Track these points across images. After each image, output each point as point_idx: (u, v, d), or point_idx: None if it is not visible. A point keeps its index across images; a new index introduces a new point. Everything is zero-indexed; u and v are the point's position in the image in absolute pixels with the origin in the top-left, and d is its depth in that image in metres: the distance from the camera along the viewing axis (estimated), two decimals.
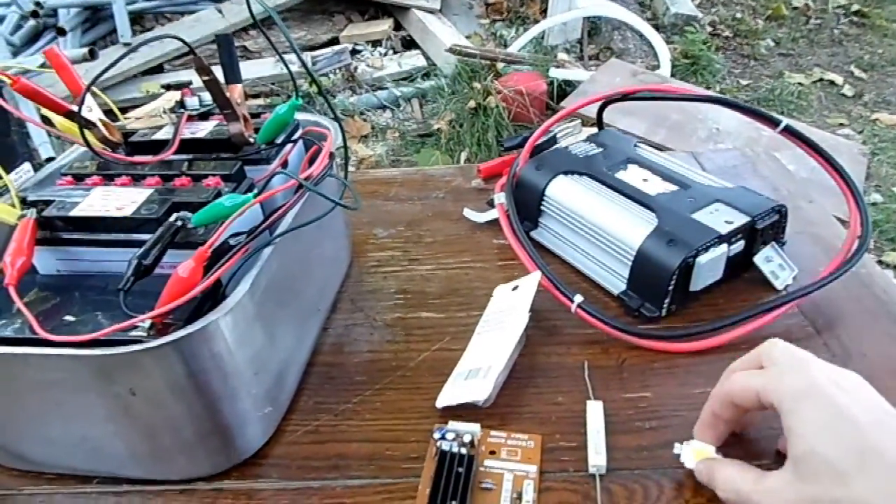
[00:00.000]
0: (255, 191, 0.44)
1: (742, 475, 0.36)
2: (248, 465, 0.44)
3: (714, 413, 0.40)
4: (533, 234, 0.64)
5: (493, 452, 0.43)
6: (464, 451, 0.42)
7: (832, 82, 2.86)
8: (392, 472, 0.43)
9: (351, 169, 0.52)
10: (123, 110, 0.59)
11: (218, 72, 0.50)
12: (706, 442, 0.41)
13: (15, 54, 2.61)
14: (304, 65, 0.45)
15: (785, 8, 3.34)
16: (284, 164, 0.53)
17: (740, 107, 0.59)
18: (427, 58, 2.83)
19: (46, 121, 0.52)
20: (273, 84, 2.64)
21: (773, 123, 0.56)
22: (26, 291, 0.44)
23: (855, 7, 3.37)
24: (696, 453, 0.40)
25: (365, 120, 2.65)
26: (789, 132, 0.56)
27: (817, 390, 0.33)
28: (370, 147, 2.54)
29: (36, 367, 0.37)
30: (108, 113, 0.55)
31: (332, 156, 0.47)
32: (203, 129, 0.54)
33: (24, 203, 0.46)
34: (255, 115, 0.55)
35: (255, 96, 2.65)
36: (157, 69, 2.65)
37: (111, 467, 0.43)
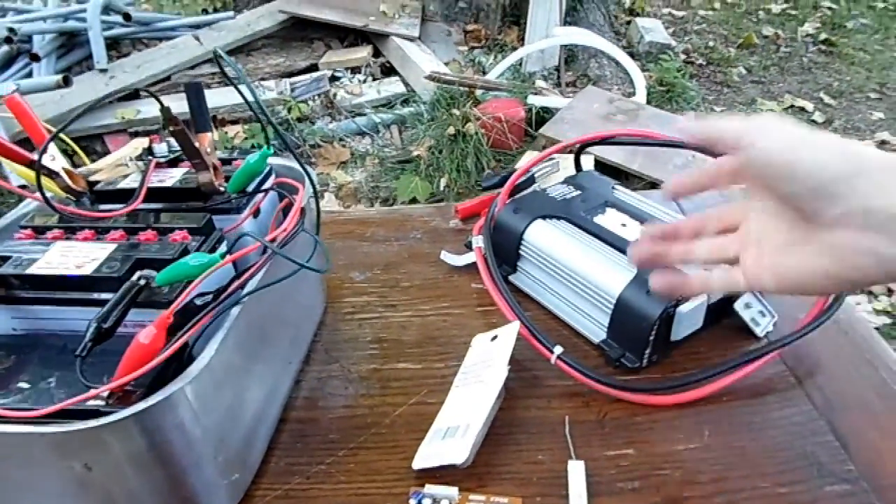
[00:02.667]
0: (223, 249, 0.42)
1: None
2: None
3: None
4: (511, 278, 0.63)
5: None
6: None
7: (803, 109, 2.92)
8: None
9: (328, 202, 0.50)
10: (99, 136, 0.57)
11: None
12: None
13: None
14: (261, 107, 0.43)
15: (756, 37, 3.43)
16: (256, 213, 0.52)
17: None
18: (406, 84, 2.84)
19: None
20: (252, 111, 2.62)
21: None
22: None
23: (823, 36, 3.47)
24: None
25: (344, 146, 2.64)
26: None
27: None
28: (349, 173, 2.52)
29: None
30: (71, 154, 0.53)
31: (303, 211, 0.45)
32: (172, 177, 0.52)
33: None
34: (227, 163, 0.54)
35: (234, 122, 2.63)
36: (134, 95, 2.62)
37: None
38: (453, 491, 0.42)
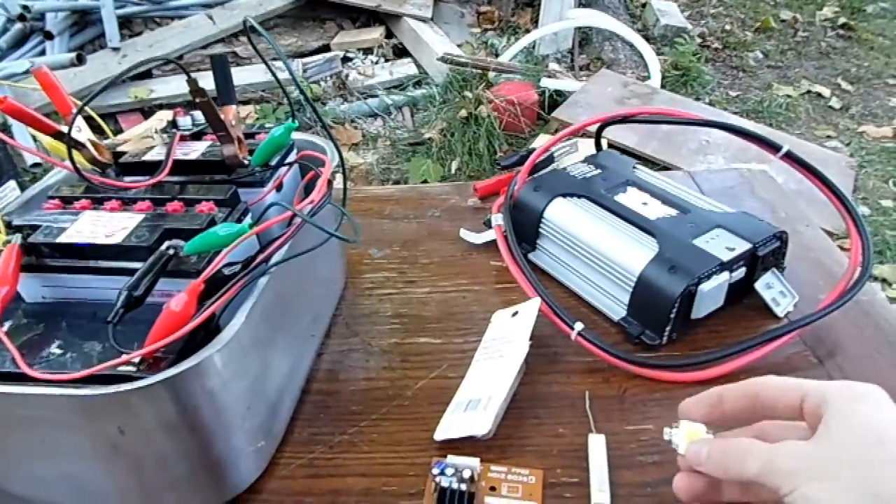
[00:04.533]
0: (250, 219, 0.42)
1: (756, 444, 0.33)
2: (241, 501, 0.43)
3: (721, 398, 0.36)
4: (531, 256, 0.63)
5: (493, 488, 0.42)
6: (463, 487, 0.41)
7: (820, 94, 2.88)
8: None
9: (340, 183, 0.51)
10: (112, 115, 0.58)
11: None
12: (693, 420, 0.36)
13: (0, 58, 2.57)
14: (298, 87, 0.43)
15: (773, 21, 3.37)
16: (279, 187, 0.52)
17: (743, 132, 0.58)
18: (418, 66, 2.82)
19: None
20: (263, 91, 2.62)
21: (775, 149, 0.56)
22: (9, 318, 0.42)
23: (841, 20, 3.41)
24: (688, 435, 0.36)
25: (356, 128, 2.64)
26: (791, 158, 0.56)
27: (878, 394, 0.31)
28: (361, 155, 2.52)
29: (19, 404, 0.36)
30: (95, 126, 0.53)
31: (330, 183, 0.46)
32: (196, 150, 0.52)
33: (9, 227, 0.44)
34: (250, 136, 0.54)
35: (245, 103, 2.63)
36: (147, 74, 2.62)
37: None
38: (475, 462, 0.42)
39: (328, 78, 2.80)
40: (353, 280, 0.63)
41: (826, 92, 2.88)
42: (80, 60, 2.30)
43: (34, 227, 0.44)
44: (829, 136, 2.59)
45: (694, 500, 0.36)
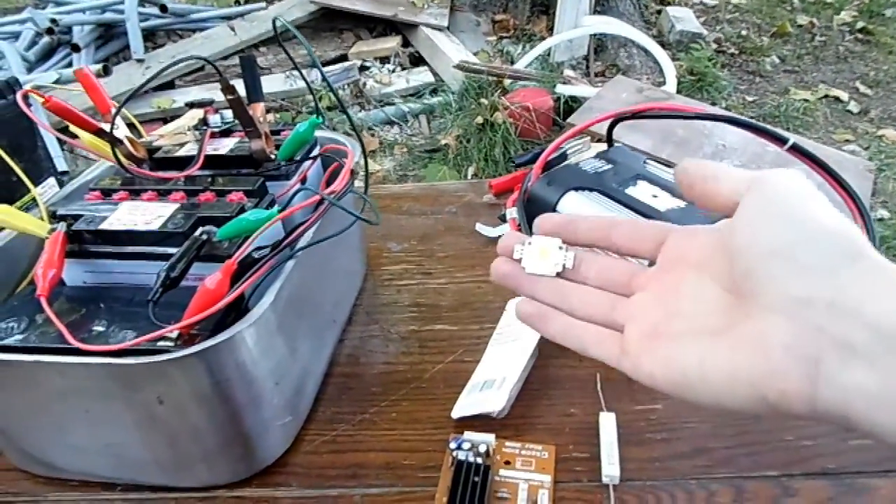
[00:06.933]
0: (277, 206, 0.45)
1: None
2: (268, 473, 0.45)
3: (576, 225, 0.32)
4: None
5: (507, 462, 0.44)
6: (479, 460, 0.43)
7: (838, 99, 2.87)
8: (409, 480, 0.44)
9: (358, 188, 0.53)
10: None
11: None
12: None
13: (30, 70, 2.65)
14: (325, 81, 0.45)
15: (790, 25, 3.37)
16: (304, 180, 0.55)
17: (748, 125, 0.60)
18: (435, 74, 2.86)
19: (73, 136, 0.53)
20: (283, 100, 2.68)
21: (781, 141, 0.58)
22: (54, 302, 0.45)
23: (860, 24, 3.40)
24: (541, 251, 0.32)
25: (373, 135, 2.68)
26: (796, 150, 0.57)
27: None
28: (378, 162, 2.56)
29: (65, 374, 0.39)
30: (131, 128, 0.57)
31: (353, 172, 0.48)
32: (225, 146, 0.55)
33: (54, 217, 0.47)
34: (276, 133, 0.57)
35: (266, 111, 2.68)
36: (169, 85, 2.69)
37: (134, 474, 0.44)
38: (491, 437, 0.44)
39: (346, 86, 2.85)
40: (373, 272, 0.65)
41: (844, 96, 2.87)
42: (106, 71, 2.35)
43: (77, 217, 0.47)
44: (847, 140, 2.58)
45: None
